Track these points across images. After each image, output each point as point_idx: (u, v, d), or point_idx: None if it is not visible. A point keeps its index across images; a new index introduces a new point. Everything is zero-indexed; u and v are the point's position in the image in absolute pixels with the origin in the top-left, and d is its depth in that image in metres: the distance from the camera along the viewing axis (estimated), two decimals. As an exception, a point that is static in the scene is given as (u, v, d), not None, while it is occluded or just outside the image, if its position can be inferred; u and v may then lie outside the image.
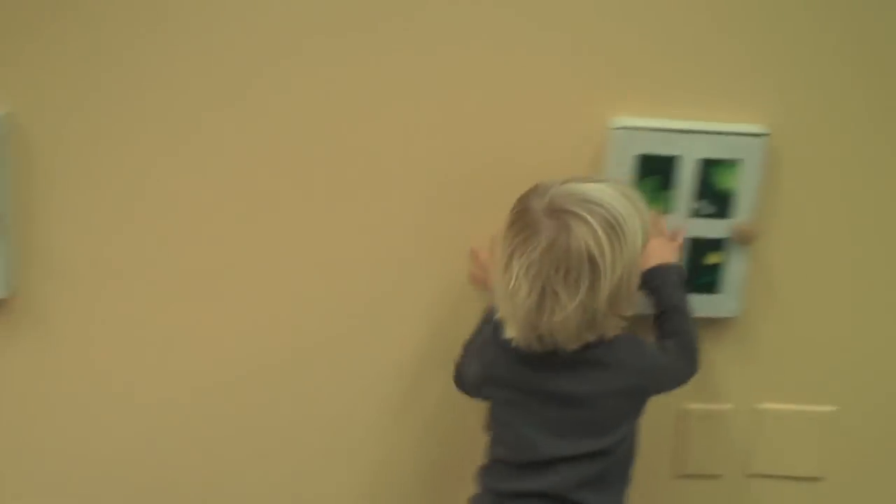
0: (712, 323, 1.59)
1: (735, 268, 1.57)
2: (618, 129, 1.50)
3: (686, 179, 1.52)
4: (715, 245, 1.55)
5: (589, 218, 1.29)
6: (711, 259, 1.56)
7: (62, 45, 1.45)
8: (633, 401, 1.43)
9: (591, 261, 1.29)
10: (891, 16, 1.52)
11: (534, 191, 1.35)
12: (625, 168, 1.51)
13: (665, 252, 1.51)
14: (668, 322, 1.49)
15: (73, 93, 1.47)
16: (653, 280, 1.49)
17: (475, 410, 1.55)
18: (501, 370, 1.42)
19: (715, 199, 1.53)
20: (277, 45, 1.47)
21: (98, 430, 1.64)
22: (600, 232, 1.29)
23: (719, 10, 1.50)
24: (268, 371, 1.64)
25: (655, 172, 1.51)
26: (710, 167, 1.52)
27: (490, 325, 1.46)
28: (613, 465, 1.43)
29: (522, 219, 1.33)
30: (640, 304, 1.48)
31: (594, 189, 1.33)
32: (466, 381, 1.53)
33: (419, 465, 1.73)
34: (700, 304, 1.57)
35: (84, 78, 1.47)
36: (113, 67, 1.47)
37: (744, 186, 1.53)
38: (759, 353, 1.62)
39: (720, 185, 1.53)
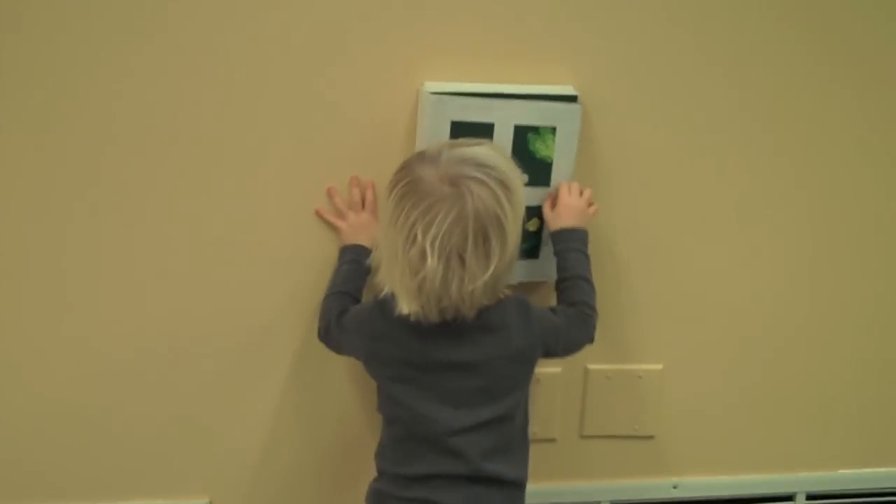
0: (534, 287, 1.60)
1: (555, 233, 1.58)
2: (432, 94, 1.48)
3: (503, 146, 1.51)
4: (535, 212, 1.56)
5: (488, 181, 1.28)
6: (531, 226, 1.56)
7: None
8: (525, 364, 1.41)
9: (499, 223, 1.28)
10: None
11: (419, 159, 1.32)
12: (441, 135, 1.49)
13: (579, 214, 1.53)
14: (573, 290, 1.50)
15: None
16: (561, 242, 1.51)
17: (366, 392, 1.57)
18: (388, 347, 1.39)
19: (532, 166, 1.53)
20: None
21: None
22: (500, 193, 1.28)
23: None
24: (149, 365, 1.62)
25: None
26: (526, 134, 1.52)
27: (371, 302, 1.42)
28: (514, 430, 1.42)
29: (417, 189, 1.29)
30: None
31: (481, 152, 1.32)
32: (339, 347, 1.52)
33: (310, 452, 1.72)
34: (522, 270, 1.58)
35: None
36: None
37: (560, 153, 1.53)
38: (584, 316, 1.65)
39: (537, 153, 1.53)
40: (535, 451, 1.50)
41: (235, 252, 1.57)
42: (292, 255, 1.58)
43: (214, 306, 1.60)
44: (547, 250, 1.57)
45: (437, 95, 1.48)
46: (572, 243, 1.51)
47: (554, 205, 1.54)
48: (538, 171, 1.54)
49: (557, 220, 1.52)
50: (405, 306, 1.32)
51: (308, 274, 1.59)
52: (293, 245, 1.58)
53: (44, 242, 1.52)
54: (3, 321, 1.55)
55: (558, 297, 1.53)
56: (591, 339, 1.52)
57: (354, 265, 1.53)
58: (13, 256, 1.52)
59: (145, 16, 1.43)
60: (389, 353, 1.39)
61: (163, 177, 1.51)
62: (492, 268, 1.29)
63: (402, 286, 1.31)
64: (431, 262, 1.26)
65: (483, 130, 1.50)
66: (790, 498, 1.91)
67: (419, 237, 1.27)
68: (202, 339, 1.61)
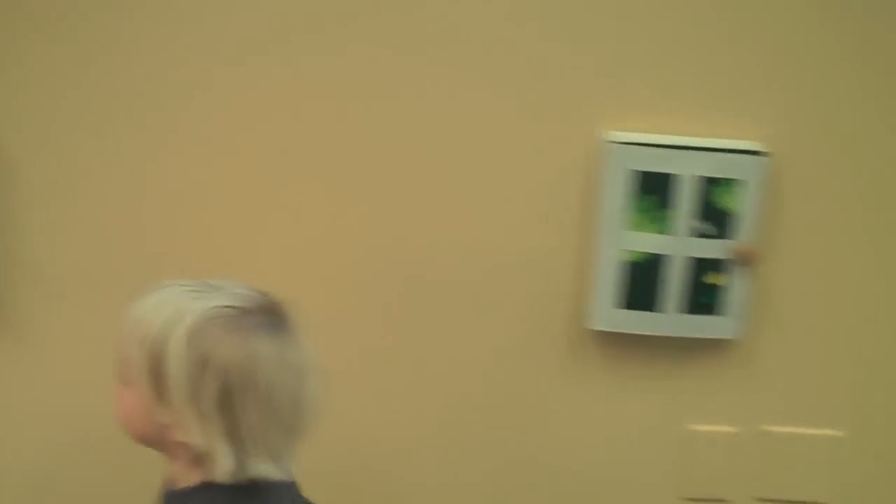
0: (712, 344, 1.56)
1: (736, 289, 1.53)
2: (614, 143, 1.47)
3: (685, 198, 1.48)
4: (715, 265, 1.52)
5: None
6: (711, 279, 1.52)
7: (33, 56, 1.46)
8: None
9: None
10: (888, 29, 1.49)
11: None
12: (620, 185, 1.48)
13: None
14: None
15: (48, 100, 1.48)
16: None
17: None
18: None
19: (715, 218, 1.49)
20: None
21: (74, 440, 1.64)
22: None
23: (719, 21, 1.47)
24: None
25: (653, 190, 1.48)
26: (710, 186, 1.48)
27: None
28: None
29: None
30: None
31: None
32: None
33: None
34: (699, 325, 1.54)
35: (57, 83, 1.47)
36: (88, 72, 1.47)
37: (745, 206, 1.49)
38: (763, 375, 1.58)
39: (720, 205, 1.49)
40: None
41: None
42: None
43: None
44: (728, 307, 1.53)
45: (619, 145, 1.47)
46: None
47: (742, 258, 1.50)
48: (720, 224, 1.50)
49: None
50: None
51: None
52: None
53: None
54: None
55: None
56: None
57: None
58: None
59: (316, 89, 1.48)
60: None
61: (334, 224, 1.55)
62: None
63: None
64: None
65: (663, 181, 1.47)
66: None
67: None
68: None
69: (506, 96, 1.49)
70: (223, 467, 1.04)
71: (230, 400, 1.04)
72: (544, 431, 1.63)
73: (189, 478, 1.08)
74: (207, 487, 1.06)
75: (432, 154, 1.52)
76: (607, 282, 1.52)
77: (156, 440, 1.10)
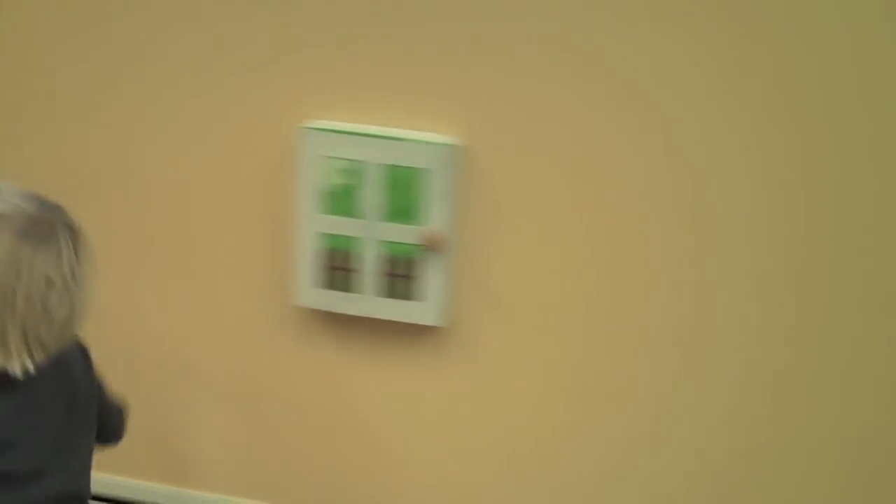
0: None
1: None
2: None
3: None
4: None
5: None
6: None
7: (509, 74, 1.50)
8: None
9: None
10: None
11: None
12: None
13: None
14: None
15: (524, 123, 1.52)
16: None
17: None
18: None
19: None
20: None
21: (518, 458, 1.68)
22: None
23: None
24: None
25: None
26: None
27: None
28: None
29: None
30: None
31: None
32: None
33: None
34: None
35: (535, 106, 1.51)
36: (563, 97, 1.50)
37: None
38: None
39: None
40: None
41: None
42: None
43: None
44: None
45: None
46: None
47: None
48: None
49: None
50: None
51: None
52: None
53: None
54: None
55: None
56: None
57: None
58: None
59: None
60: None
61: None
62: None
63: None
64: None
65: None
66: None
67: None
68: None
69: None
70: None
71: None
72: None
73: None
74: None
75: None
76: None
77: None
